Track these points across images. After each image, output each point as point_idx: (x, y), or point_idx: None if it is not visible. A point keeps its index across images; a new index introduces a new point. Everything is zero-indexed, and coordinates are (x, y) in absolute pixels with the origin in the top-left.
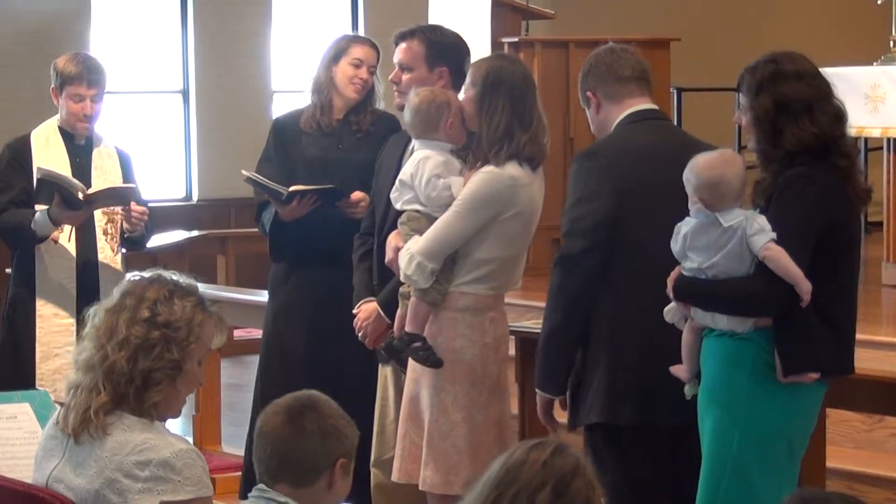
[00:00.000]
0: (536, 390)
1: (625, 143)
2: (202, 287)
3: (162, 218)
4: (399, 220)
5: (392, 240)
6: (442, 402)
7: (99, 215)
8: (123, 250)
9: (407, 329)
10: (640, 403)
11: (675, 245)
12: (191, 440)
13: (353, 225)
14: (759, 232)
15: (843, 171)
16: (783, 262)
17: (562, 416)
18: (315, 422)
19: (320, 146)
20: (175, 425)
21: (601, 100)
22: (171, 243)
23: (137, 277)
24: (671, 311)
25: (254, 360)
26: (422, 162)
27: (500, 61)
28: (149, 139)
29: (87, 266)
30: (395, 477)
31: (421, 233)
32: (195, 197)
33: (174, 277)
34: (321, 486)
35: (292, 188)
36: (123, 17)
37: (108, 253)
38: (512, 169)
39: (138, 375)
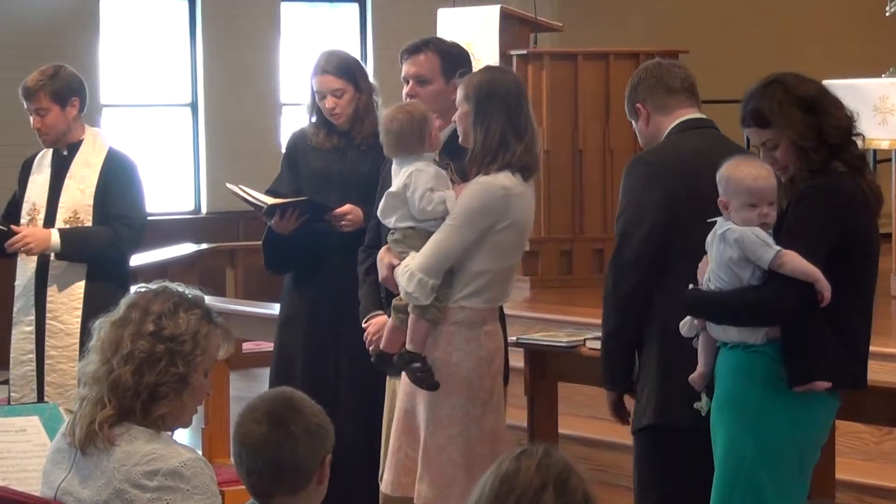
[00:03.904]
0: (604, 388)
1: (674, 150)
2: (211, 300)
3: (171, 231)
4: (391, 237)
5: (384, 256)
6: (438, 417)
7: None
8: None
9: (407, 347)
10: (688, 407)
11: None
12: (200, 453)
13: (349, 237)
14: (764, 245)
15: (859, 160)
16: (799, 263)
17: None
18: (300, 423)
19: (324, 160)
20: (184, 438)
21: (650, 111)
22: (179, 256)
23: (143, 289)
24: (686, 325)
25: (262, 373)
26: (414, 174)
27: (491, 73)
28: (158, 152)
29: (41, 274)
30: (389, 491)
31: (416, 249)
32: (204, 210)
33: (180, 290)
34: (313, 485)
35: (271, 202)
36: (132, 30)
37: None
38: (504, 179)
39: (144, 389)
